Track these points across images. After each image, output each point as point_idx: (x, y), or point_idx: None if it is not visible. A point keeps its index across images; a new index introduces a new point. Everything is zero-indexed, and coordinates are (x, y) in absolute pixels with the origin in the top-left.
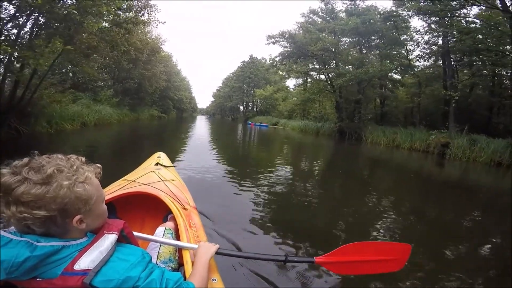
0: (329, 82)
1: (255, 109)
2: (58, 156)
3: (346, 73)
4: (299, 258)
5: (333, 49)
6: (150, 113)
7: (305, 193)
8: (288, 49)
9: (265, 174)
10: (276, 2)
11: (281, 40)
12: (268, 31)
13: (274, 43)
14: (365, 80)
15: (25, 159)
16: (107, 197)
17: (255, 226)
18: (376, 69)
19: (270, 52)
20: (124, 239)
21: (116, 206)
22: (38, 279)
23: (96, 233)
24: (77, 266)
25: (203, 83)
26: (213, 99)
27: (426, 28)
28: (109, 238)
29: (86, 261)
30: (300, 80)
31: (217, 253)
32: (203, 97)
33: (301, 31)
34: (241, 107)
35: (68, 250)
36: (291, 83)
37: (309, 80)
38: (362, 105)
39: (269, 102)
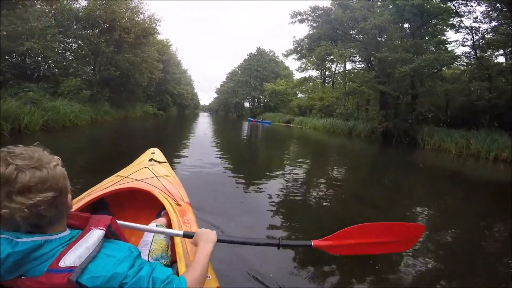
0: (374, 70)
1: (261, 104)
2: (19, 146)
3: (412, 59)
4: (295, 242)
5: (378, 31)
6: (144, 110)
7: (325, 199)
8: (318, 31)
9: (275, 178)
10: (274, 2)
11: (311, 17)
12: (267, 30)
13: (301, 21)
14: (435, 67)
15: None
16: (99, 193)
17: (253, 224)
18: (448, 56)
19: (293, 35)
20: (112, 235)
21: (108, 203)
22: (23, 277)
23: (82, 229)
24: (62, 263)
25: (204, 83)
26: (216, 95)
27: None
28: (96, 234)
29: (72, 258)
30: (314, 73)
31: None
32: (204, 95)
33: (334, 9)
34: (247, 103)
35: (50, 245)
36: (298, 76)
37: (326, 72)
38: (418, 101)
39: (280, 97)
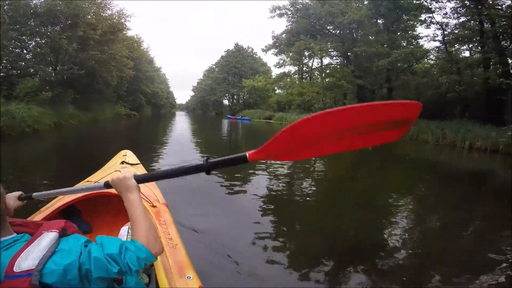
0: (350, 64)
1: (241, 101)
2: None
3: (389, 53)
4: (226, 159)
5: (357, 25)
6: (115, 111)
7: (306, 194)
8: (296, 26)
9: (257, 177)
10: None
11: (290, 12)
12: (241, 30)
13: (280, 16)
14: (411, 61)
15: None
16: (68, 199)
17: (234, 224)
18: (422, 50)
19: (272, 29)
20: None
21: (80, 210)
22: None
23: (31, 235)
24: (17, 268)
25: (180, 81)
26: (193, 93)
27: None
28: (49, 236)
29: (26, 262)
30: (291, 68)
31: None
32: (180, 93)
33: (312, 4)
34: (226, 101)
35: None
36: (276, 71)
37: (303, 68)
38: (393, 94)
39: (259, 93)
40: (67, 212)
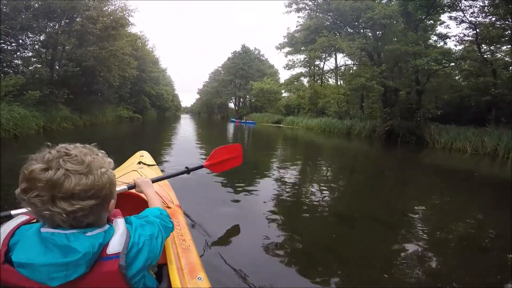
0: (375, 64)
1: (247, 104)
2: (78, 145)
3: (426, 52)
4: (196, 165)
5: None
6: (118, 113)
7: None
8: (315, 22)
9: (270, 182)
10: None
11: (308, 7)
12: (240, 29)
13: (298, 10)
14: (451, 61)
15: (52, 152)
16: None
17: (246, 226)
18: (462, 50)
19: (286, 26)
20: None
21: None
22: None
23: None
24: (108, 251)
25: (185, 83)
26: (198, 96)
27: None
28: (120, 222)
29: (115, 244)
30: (301, 70)
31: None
32: (185, 96)
33: None
34: (231, 104)
35: (108, 236)
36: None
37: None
38: (424, 98)
39: (267, 96)
40: None
